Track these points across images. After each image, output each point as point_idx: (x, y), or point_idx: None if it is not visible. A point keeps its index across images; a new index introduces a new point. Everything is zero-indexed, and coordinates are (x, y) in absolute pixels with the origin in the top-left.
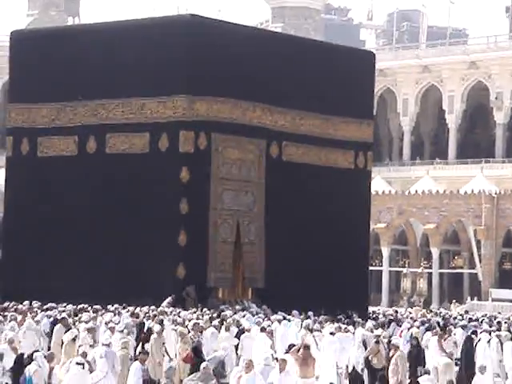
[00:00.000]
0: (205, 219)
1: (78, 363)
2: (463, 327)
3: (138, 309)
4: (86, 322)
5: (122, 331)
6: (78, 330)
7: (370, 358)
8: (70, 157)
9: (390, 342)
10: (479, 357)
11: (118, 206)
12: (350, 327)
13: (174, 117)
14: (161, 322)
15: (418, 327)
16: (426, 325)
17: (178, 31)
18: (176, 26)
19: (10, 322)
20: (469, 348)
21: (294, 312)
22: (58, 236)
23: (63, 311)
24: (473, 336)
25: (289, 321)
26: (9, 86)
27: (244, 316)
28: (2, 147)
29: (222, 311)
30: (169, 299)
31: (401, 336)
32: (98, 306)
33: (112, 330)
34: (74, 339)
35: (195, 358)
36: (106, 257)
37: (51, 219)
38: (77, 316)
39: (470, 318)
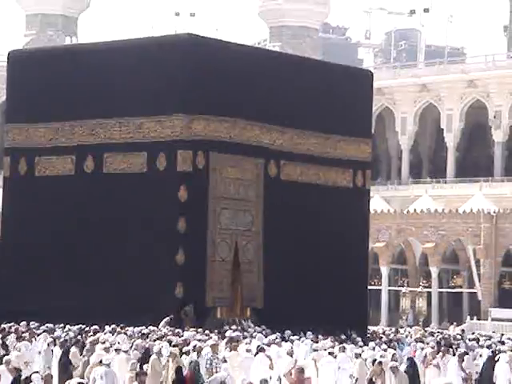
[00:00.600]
0: (203, 238)
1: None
2: (488, 347)
3: (137, 329)
4: (103, 343)
5: (126, 351)
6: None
7: (373, 379)
8: (67, 176)
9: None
10: (500, 377)
11: (115, 226)
12: (352, 347)
13: (171, 136)
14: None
15: (433, 347)
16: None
17: (175, 50)
18: (173, 45)
19: (19, 342)
20: (489, 368)
21: (287, 333)
22: (55, 256)
23: (68, 332)
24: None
25: (299, 340)
26: (6, 106)
27: (255, 336)
28: (0, 167)
29: (225, 331)
30: (166, 319)
31: (414, 355)
32: (96, 326)
33: (107, 350)
34: (101, 361)
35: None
36: (103, 276)
37: (49, 239)
38: (81, 337)
39: (469, 339)
